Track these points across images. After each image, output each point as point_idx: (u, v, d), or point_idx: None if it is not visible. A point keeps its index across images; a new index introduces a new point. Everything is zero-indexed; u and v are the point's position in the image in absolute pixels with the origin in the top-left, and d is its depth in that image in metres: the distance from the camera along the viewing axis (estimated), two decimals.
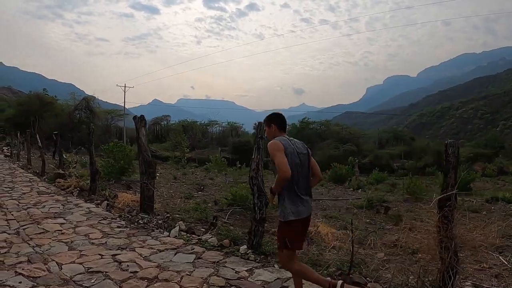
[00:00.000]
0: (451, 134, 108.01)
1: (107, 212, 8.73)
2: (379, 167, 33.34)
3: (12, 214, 7.92)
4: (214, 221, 7.82)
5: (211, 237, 6.67)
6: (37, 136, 17.11)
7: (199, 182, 16.91)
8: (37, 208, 8.75)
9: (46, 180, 13.71)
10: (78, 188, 11.36)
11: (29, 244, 5.96)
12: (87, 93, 49.16)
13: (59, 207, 8.95)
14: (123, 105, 60.29)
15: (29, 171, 16.59)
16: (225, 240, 6.32)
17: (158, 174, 20.29)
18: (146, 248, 6.09)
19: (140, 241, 6.49)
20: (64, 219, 7.80)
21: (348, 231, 7.22)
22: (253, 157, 5.90)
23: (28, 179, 13.91)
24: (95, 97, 47.51)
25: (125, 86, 60.11)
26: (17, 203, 9.24)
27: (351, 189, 20.14)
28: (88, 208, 9.05)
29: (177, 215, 8.47)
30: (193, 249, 6.07)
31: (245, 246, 5.91)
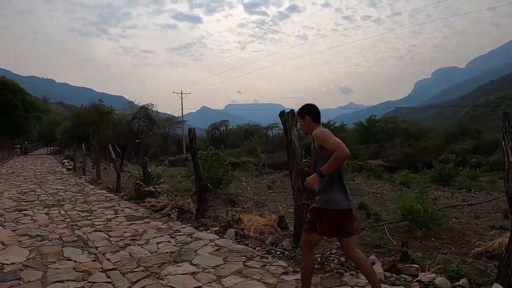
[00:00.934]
0: None
1: (243, 246, 5.93)
2: (457, 163, 29.90)
3: (109, 259, 5.18)
4: (404, 249, 5.16)
5: (435, 275, 4.44)
6: (110, 147, 14.69)
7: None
8: (139, 244, 6.01)
9: (126, 197, 11.19)
10: (176, 210, 8.66)
11: None
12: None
13: (169, 242, 6.19)
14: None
15: (100, 186, 14.19)
16: (462, 280, 4.32)
17: (245, 183, 17.66)
18: None
19: None
20: (191, 263, 5.03)
21: None
22: (510, 160, 4.25)
23: (104, 197, 11.40)
24: (153, 104, 45.74)
25: (181, 93, 58.88)
26: (106, 236, 6.56)
27: (464, 190, 18.69)
28: (211, 240, 6.24)
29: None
30: None
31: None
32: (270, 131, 69.94)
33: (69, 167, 24.14)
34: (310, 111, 3.75)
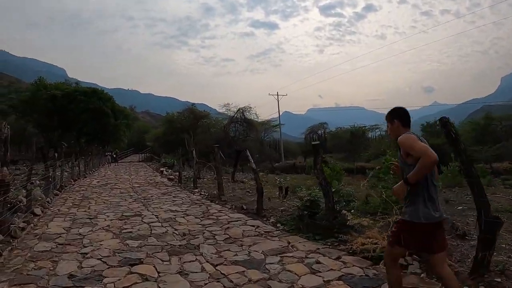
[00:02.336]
0: None
1: None
2: None
3: None
4: None
5: None
6: (248, 153, 10.88)
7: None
8: None
9: (284, 228, 7.40)
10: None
11: None
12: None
13: None
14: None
15: (228, 206, 10.47)
16: None
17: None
18: None
19: None
20: None
21: None
22: None
23: (252, 228, 7.59)
24: (251, 107, 42.31)
25: (277, 95, 56.21)
26: None
27: None
28: None
29: None
30: None
31: None
32: (372, 133, 65.36)
33: (170, 177, 21.01)
34: (398, 115, 3.54)
